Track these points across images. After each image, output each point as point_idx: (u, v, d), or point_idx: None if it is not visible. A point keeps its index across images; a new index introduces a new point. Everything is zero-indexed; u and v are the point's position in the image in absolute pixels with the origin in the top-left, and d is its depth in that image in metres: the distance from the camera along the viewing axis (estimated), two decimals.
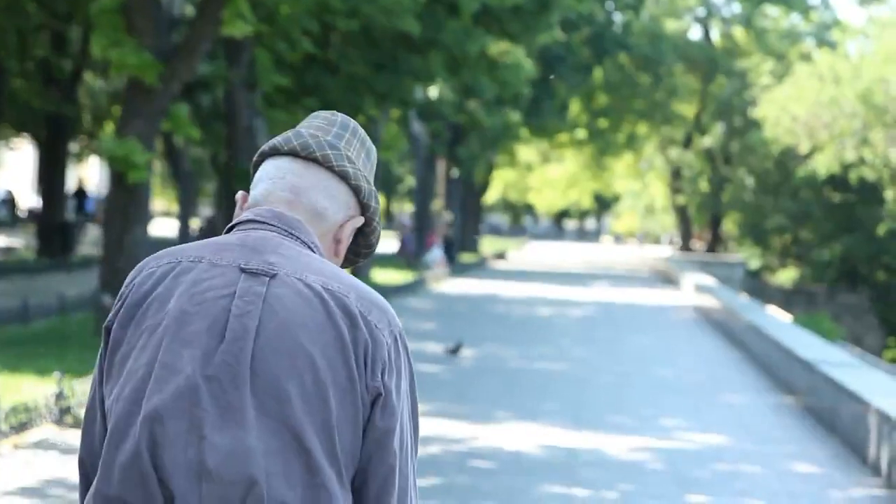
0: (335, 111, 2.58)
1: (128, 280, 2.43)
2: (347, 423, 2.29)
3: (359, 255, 2.57)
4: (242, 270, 2.35)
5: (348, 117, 2.55)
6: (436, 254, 36.93)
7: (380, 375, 2.31)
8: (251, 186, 2.52)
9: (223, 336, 2.29)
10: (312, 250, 2.43)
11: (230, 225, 2.48)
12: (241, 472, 2.23)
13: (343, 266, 2.54)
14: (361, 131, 2.55)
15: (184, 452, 2.25)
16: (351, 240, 2.52)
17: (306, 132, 2.49)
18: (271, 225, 2.42)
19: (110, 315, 2.41)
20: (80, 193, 45.61)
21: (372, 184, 2.53)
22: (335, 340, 2.30)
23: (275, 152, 2.48)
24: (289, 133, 2.50)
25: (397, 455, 2.32)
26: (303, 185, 2.45)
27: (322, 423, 2.27)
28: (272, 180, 2.47)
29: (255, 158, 2.54)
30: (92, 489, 2.34)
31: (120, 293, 2.42)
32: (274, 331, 2.29)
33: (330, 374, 2.28)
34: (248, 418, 2.25)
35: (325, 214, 2.46)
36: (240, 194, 2.52)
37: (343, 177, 2.46)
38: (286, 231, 2.42)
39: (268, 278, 2.34)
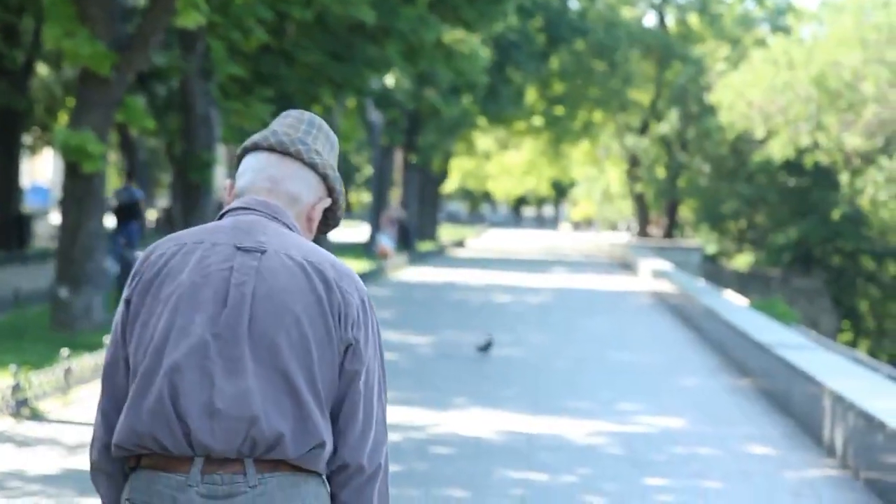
0: (303, 111, 3.11)
1: (140, 260, 2.96)
2: (326, 367, 2.86)
3: (328, 227, 3.14)
4: (238, 248, 2.90)
5: (314, 115, 3.09)
6: (379, 239, 37.17)
7: (350, 329, 2.89)
8: (237, 176, 3.06)
9: (226, 302, 2.85)
10: (291, 230, 2.98)
11: (222, 212, 3.02)
12: (245, 410, 2.79)
13: (316, 236, 3.11)
14: (326, 126, 3.09)
15: (198, 396, 2.80)
16: (321, 218, 3.10)
17: (281, 130, 3.04)
18: (258, 211, 2.97)
19: (127, 290, 2.94)
20: None
21: (336, 170, 3.07)
22: (315, 302, 2.87)
23: (255, 148, 3.04)
24: (266, 132, 3.04)
25: (361, 393, 2.89)
26: (280, 175, 3.01)
27: (306, 367, 2.84)
28: (254, 172, 3.03)
29: (238, 153, 3.08)
30: (119, 426, 2.85)
31: (134, 271, 2.95)
32: (265, 296, 2.85)
33: (311, 329, 2.85)
34: (247, 367, 2.81)
35: (300, 198, 3.02)
36: (227, 182, 3.05)
37: (312, 167, 3.02)
38: (270, 216, 2.97)
39: (259, 254, 2.89)
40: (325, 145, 3.07)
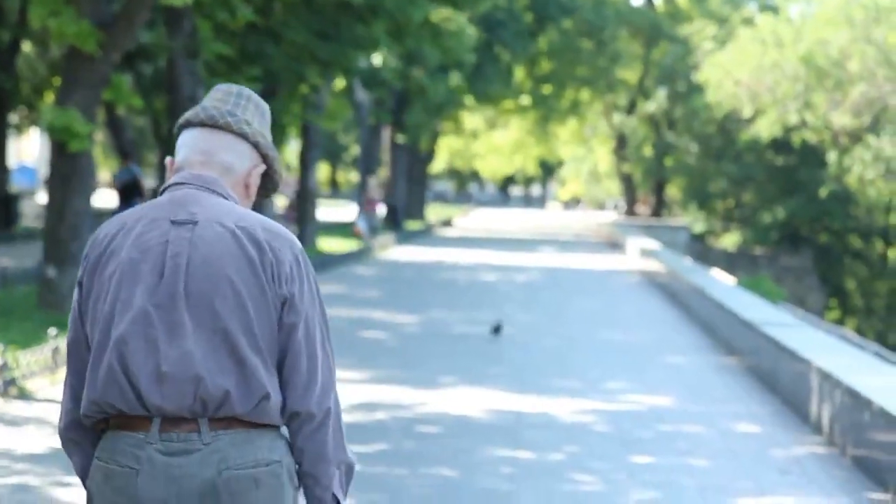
0: (231, 84, 3.31)
1: (89, 243, 3.17)
2: (265, 324, 3.06)
3: (268, 192, 3.35)
4: (172, 222, 3.11)
5: (243, 87, 3.28)
6: (356, 220, 37.40)
7: (285, 285, 3.09)
8: (175, 153, 3.26)
9: (163, 273, 3.06)
10: (226, 198, 3.18)
11: (163, 188, 3.21)
12: (189, 371, 3.01)
13: (258, 199, 3.35)
14: (255, 97, 3.29)
15: (145, 363, 3.02)
16: (259, 183, 3.30)
17: (210, 105, 3.24)
18: (192, 184, 3.18)
19: (80, 272, 3.17)
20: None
21: (268, 137, 3.28)
22: (247, 264, 3.07)
23: (188, 124, 3.25)
24: (197, 108, 3.24)
25: (302, 343, 3.10)
26: (212, 147, 3.21)
27: (245, 326, 3.04)
28: (188, 147, 3.23)
29: (174, 130, 3.28)
30: (83, 398, 3.12)
31: (84, 254, 3.17)
32: (199, 263, 3.07)
33: (245, 289, 3.06)
34: (188, 331, 3.03)
35: (233, 168, 3.23)
36: (168, 160, 3.25)
37: (243, 136, 3.22)
38: (204, 187, 3.17)
39: (192, 225, 3.10)
40: (255, 115, 3.27)
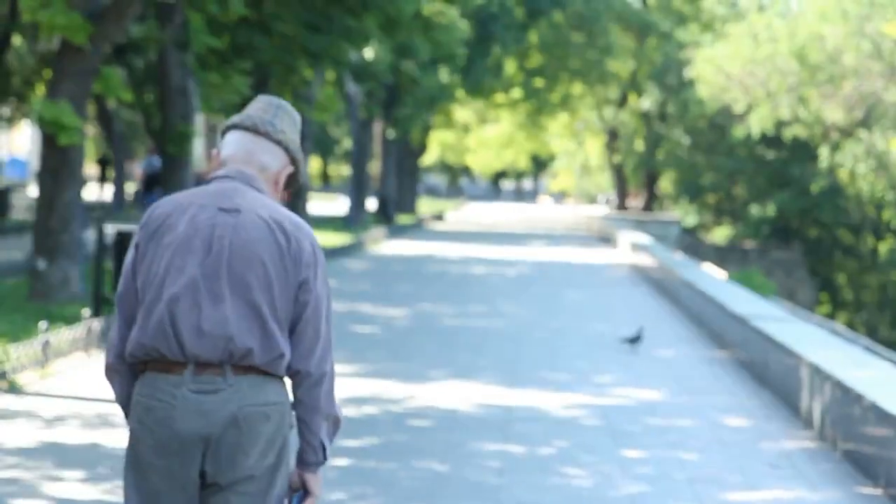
0: (271, 96, 4.06)
1: (146, 216, 3.89)
2: (285, 299, 3.83)
3: (291, 187, 4.08)
4: (220, 209, 3.85)
5: (281, 99, 4.04)
6: None
7: (303, 269, 3.86)
8: (221, 148, 3.99)
9: (210, 249, 3.80)
10: (261, 192, 3.93)
11: (211, 177, 3.95)
12: (223, 331, 3.77)
13: (285, 195, 4.07)
14: (289, 107, 4.03)
15: (189, 320, 3.76)
16: (286, 181, 4.03)
17: (255, 114, 3.97)
18: (236, 179, 3.92)
19: (137, 237, 3.88)
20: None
21: (297, 143, 4.01)
22: (276, 249, 3.83)
23: (235, 127, 3.98)
24: (243, 115, 3.99)
25: (311, 317, 3.86)
26: (254, 149, 3.96)
27: (269, 299, 3.81)
28: (234, 145, 3.97)
29: (222, 130, 4.03)
30: (130, 340, 3.82)
31: (142, 223, 3.89)
32: (240, 245, 3.81)
33: (273, 270, 3.82)
34: (226, 299, 3.79)
35: (269, 168, 3.97)
36: (213, 151, 3.99)
37: (279, 143, 3.96)
38: (246, 182, 3.92)
39: (236, 213, 3.84)
40: (289, 124, 3.99)
